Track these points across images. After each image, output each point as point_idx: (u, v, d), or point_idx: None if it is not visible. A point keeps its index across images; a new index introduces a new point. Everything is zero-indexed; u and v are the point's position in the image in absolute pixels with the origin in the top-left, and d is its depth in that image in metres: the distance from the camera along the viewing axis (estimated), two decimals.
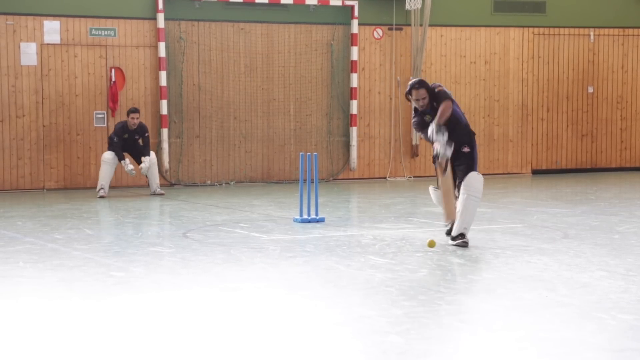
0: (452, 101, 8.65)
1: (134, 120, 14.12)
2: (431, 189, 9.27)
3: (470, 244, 8.80)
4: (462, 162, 8.74)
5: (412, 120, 8.90)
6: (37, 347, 5.28)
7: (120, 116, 15.63)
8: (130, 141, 14.21)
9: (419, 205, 12.64)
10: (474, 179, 8.66)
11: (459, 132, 8.75)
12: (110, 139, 14.31)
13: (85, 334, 5.58)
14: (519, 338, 5.41)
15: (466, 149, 8.75)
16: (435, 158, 8.56)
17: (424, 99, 8.61)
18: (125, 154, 14.23)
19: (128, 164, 14.02)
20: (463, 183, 8.66)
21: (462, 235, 8.67)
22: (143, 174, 14.38)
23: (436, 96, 8.60)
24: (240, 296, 6.69)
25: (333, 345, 5.30)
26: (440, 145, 8.43)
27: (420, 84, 8.62)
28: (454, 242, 8.71)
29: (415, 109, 8.81)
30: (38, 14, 15.21)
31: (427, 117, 8.69)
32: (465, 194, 8.61)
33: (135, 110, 14.22)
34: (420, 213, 11.67)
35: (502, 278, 7.24)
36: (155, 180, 14.38)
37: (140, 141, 14.24)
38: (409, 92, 8.66)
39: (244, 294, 6.76)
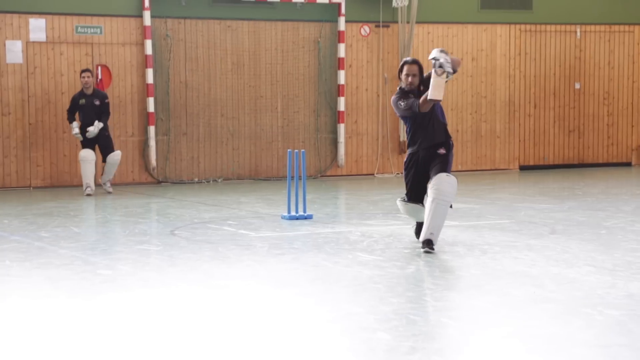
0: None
1: (85, 79, 13.69)
2: (399, 202, 8.76)
3: (457, 239, 8.81)
4: (436, 163, 8.38)
5: (398, 102, 8.45)
6: (24, 346, 5.26)
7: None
8: (88, 107, 13.78)
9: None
10: (444, 181, 8.20)
11: (439, 130, 8.54)
12: (68, 113, 14.07)
13: (72, 332, 5.56)
14: (506, 334, 5.42)
15: (442, 151, 8.46)
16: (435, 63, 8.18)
17: (414, 75, 8.48)
18: (81, 123, 13.92)
19: (75, 127, 13.71)
20: (431, 185, 8.27)
21: (429, 242, 8.16)
22: (89, 137, 13.79)
23: (426, 81, 8.44)
24: (228, 294, 6.68)
25: (321, 342, 5.30)
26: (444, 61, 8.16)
27: (414, 60, 8.60)
28: (422, 249, 8.23)
29: (401, 93, 8.52)
30: (23, 11, 15.14)
31: (410, 95, 8.43)
32: (433, 197, 8.16)
33: (86, 70, 13.85)
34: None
35: (489, 274, 7.25)
36: (108, 175, 14.10)
37: (100, 107, 13.82)
38: (401, 68, 8.56)
39: (231, 292, 6.75)
